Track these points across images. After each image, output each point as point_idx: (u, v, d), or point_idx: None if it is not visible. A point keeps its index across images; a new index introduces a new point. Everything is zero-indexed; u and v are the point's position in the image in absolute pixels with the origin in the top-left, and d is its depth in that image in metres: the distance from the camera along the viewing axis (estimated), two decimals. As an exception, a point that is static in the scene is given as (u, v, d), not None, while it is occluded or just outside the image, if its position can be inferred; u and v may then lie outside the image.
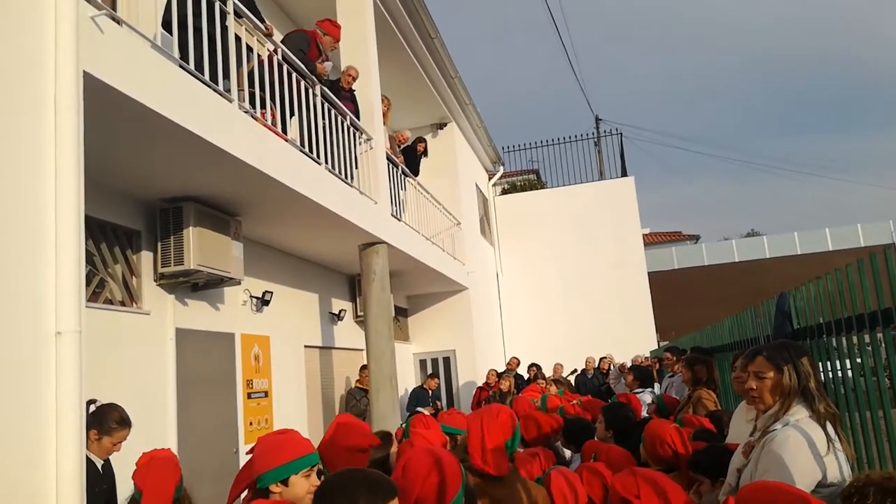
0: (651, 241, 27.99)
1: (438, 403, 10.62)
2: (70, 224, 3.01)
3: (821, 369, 3.76)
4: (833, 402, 3.57)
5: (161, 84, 4.03)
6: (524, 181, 21.40)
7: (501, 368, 13.00)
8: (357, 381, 9.00)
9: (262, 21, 5.70)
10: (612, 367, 12.08)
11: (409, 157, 10.36)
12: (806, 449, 2.22)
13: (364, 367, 8.64)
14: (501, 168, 17.38)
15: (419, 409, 8.22)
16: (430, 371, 12.37)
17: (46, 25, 3.20)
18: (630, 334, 14.80)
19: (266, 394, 7.10)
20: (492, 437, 2.18)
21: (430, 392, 10.60)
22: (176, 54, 4.39)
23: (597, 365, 12.39)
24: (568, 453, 3.83)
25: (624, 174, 16.97)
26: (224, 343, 6.50)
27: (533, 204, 16.77)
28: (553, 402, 4.67)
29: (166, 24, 4.87)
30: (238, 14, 5.28)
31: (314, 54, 6.67)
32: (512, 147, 17.94)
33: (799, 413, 2.34)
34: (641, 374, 6.50)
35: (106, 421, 3.57)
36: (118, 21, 3.87)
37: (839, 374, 3.72)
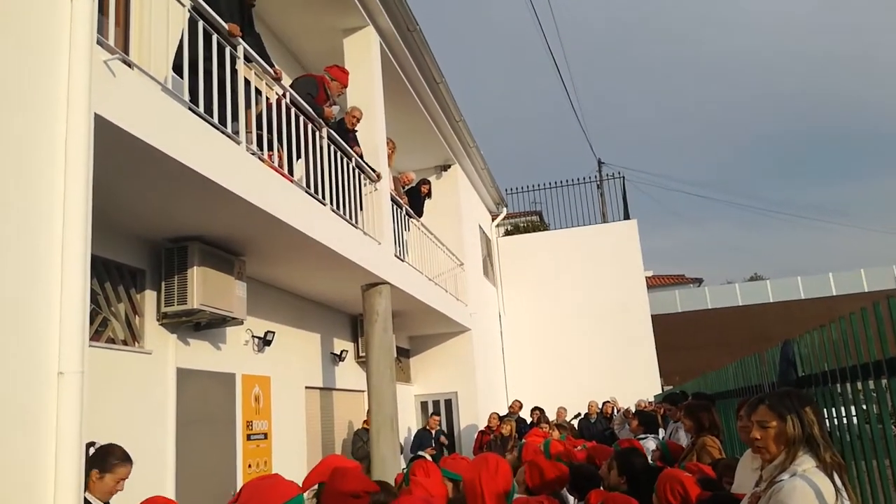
0: (654, 283, 27.97)
1: (444, 438, 10.50)
2: (76, 266, 3.03)
3: (826, 416, 3.73)
4: (839, 450, 3.53)
5: (170, 126, 4.09)
6: (527, 223, 21.51)
7: (503, 411, 12.88)
8: (364, 421, 8.92)
9: (272, 65, 5.81)
10: (615, 411, 11.96)
11: (414, 198, 10.44)
12: (813, 499, 2.20)
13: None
14: (504, 209, 17.50)
15: (420, 452, 8.12)
16: (430, 412, 12.30)
17: (60, 68, 3.27)
18: (633, 377, 14.70)
19: (265, 436, 7.03)
20: (490, 493, 2.16)
21: (433, 432, 10.53)
22: (186, 97, 4.47)
23: (600, 409, 12.26)
24: (572, 500, 3.77)
25: (626, 217, 17.05)
26: (225, 383, 6.46)
27: (536, 245, 16.82)
28: (556, 447, 4.61)
29: (177, 68, 4.97)
30: (248, 58, 5.38)
31: (322, 98, 6.78)
32: (515, 189, 18.12)
33: (805, 462, 2.31)
34: (646, 419, 6.42)
35: (107, 459, 3.54)
36: (129, 64, 3.96)
37: (844, 421, 3.69)
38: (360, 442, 8.62)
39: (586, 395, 12.71)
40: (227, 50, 5.03)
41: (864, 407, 3.46)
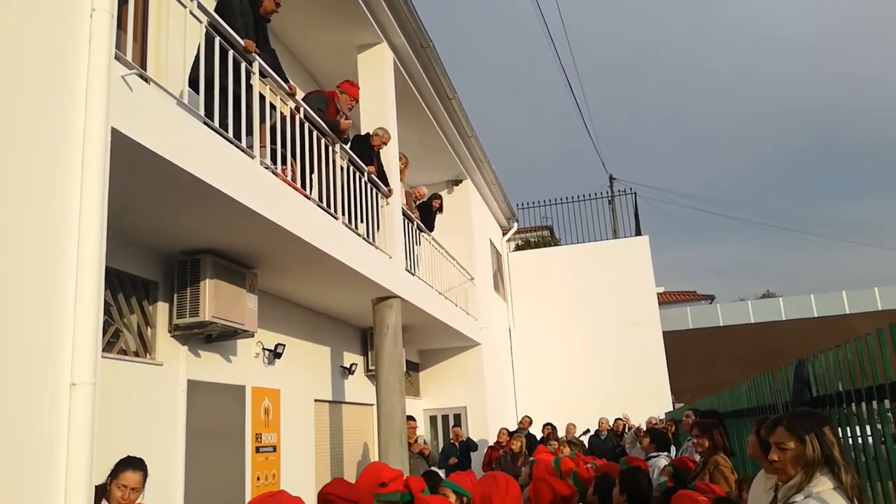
0: (665, 300, 27.81)
1: (453, 459, 10.50)
2: (91, 278, 3.05)
3: (841, 436, 3.69)
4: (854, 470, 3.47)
5: (185, 140, 4.13)
6: (538, 237, 21.48)
7: (513, 426, 12.81)
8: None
9: (286, 81, 5.86)
10: (626, 428, 11.86)
11: (425, 212, 10.46)
12: None
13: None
14: (515, 224, 17.49)
15: (433, 468, 8.15)
16: (440, 428, 12.31)
17: (78, 83, 3.31)
18: (644, 394, 14.57)
19: (274, 448, 7.02)
20: None
21: (457, 444, 10.63)
22: (201, 111, 4.51)
23: (611, 426, 12.16)
24: None
25: (638, 233, 17.00)
26: (235, 396, 6.47)
27: (547, 260, 16.79)
28: (567, 464, 4.58)
29: (193, 82, 5.03)
30: (263, 74, 5.43)
31: (332, 113, 6.83)
32: (526, 204, 18.10)
33: (822, 484, 2.29)
34: (658, 437, 6.37)
35: (115, 466, 3.59)
36: (146, 79, 4.01)
37: (860, 441, 3.65)
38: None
39: (596, 412, 12.62)
40: (243, 65, 5.08)
41: (880, 427, 3.43)
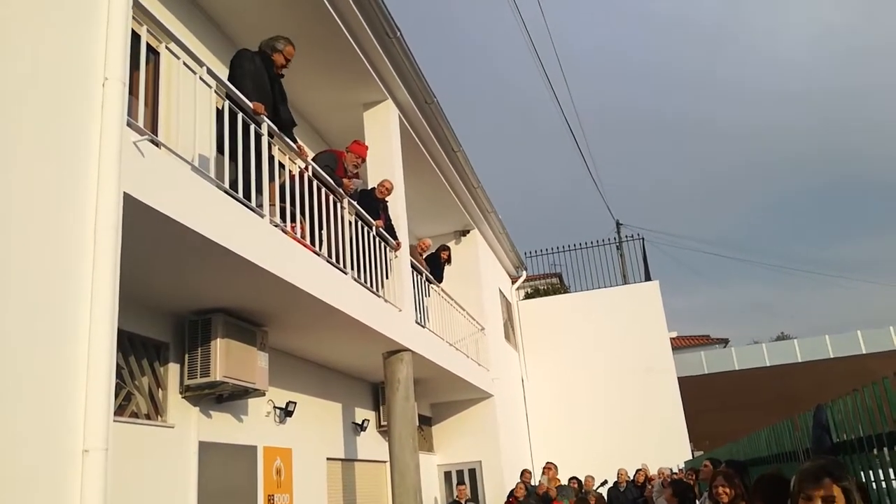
0: (679, 345, 27.51)
1: None
2: (103, 344, 3.06)
3: (865, 483, 3.60)
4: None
5: (196, 202, 4.19)
6: (547, 285, 21.43)
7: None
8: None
9: (295, 141, 5.97)
10: (647, 479, 11.59)
11: (433, 264, 10.48)
12: None
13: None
14: (524, 272, 17.48)
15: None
16: (455, 484, 12.10)
17: (91, 149, 3.39)
18: (663, 443, 14.28)
19: (287, 509, 6.90)
20: None
21: (463, 501, 10.47)
22: (212, 173, 4.59)
23: (630, 477, 11.89)
24: None
25: (647, 278, 16.93)
26: (246, 456, 6.39)
27: (557, 308, 16.71)
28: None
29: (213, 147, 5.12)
30: (272, 135, 5.54)
31: (340, 172, 6.93)
32: (534, 252, 18.12)
33: None
34: (679, 489, 6.24)
35: None
36: (158, 144, 4.09)
37: (883, 485, 3.56)
38: None
39: (614, 462, 12.36)
40: (252, 128, 5.18)
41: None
